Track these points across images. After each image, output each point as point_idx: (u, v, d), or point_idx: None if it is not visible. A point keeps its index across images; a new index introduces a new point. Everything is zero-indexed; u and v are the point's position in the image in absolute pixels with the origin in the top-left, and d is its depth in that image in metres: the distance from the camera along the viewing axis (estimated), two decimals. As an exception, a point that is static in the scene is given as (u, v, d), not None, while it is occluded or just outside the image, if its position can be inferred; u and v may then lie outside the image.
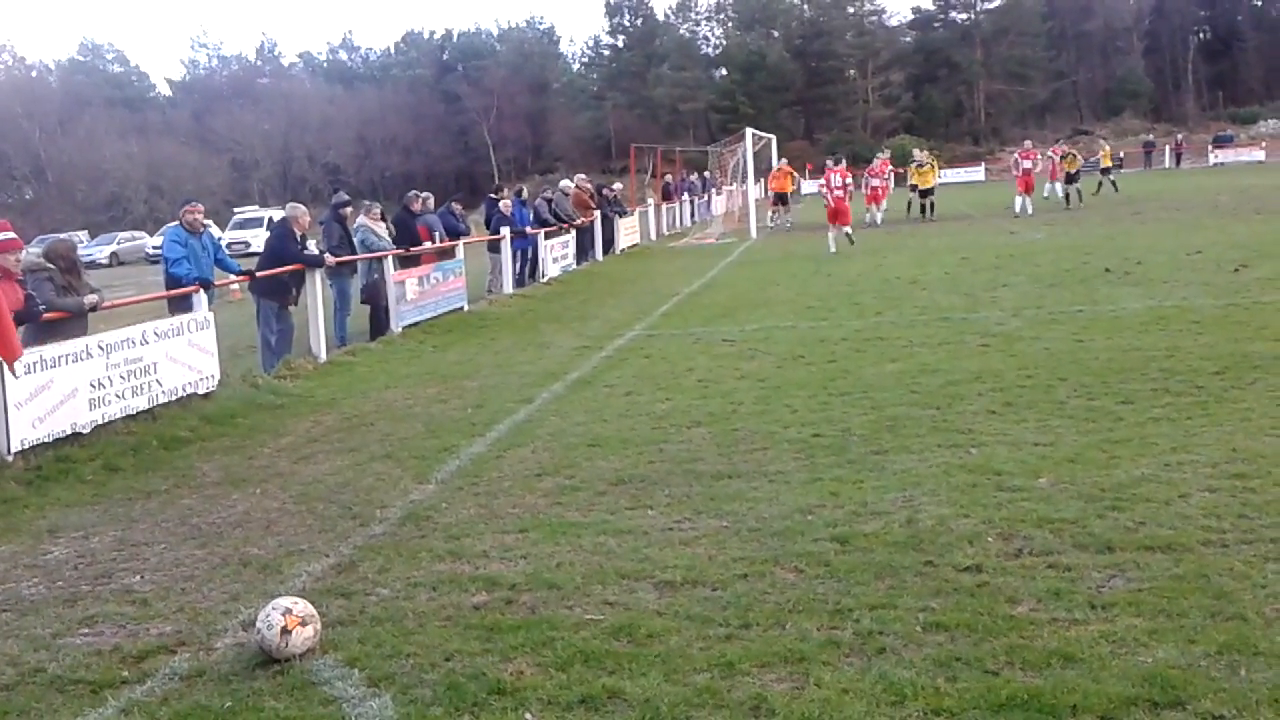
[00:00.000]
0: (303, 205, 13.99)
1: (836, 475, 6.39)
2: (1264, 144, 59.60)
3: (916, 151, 33.16)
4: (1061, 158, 31.86)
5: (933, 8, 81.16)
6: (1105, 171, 36.90)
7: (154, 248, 42.16)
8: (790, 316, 13.62)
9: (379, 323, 14.44)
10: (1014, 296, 13.61)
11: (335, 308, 14.13)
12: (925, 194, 30.31)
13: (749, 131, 32.48)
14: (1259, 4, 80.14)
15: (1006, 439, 6.90)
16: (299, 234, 12.98)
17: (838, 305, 14.27)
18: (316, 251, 13.36)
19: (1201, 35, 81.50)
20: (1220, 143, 60.78)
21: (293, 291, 12.74)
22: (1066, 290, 13.80)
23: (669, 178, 38.68)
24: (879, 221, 29.49)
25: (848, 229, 22.88)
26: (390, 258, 14.49)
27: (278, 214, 22.29)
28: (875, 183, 30.52)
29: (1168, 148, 59.71)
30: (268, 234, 15.82)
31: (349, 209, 15.01)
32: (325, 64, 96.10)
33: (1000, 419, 7.46)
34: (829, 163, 25.47)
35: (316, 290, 12.81)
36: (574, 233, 23.26)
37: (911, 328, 11.85)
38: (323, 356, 12.47)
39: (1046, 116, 76.61)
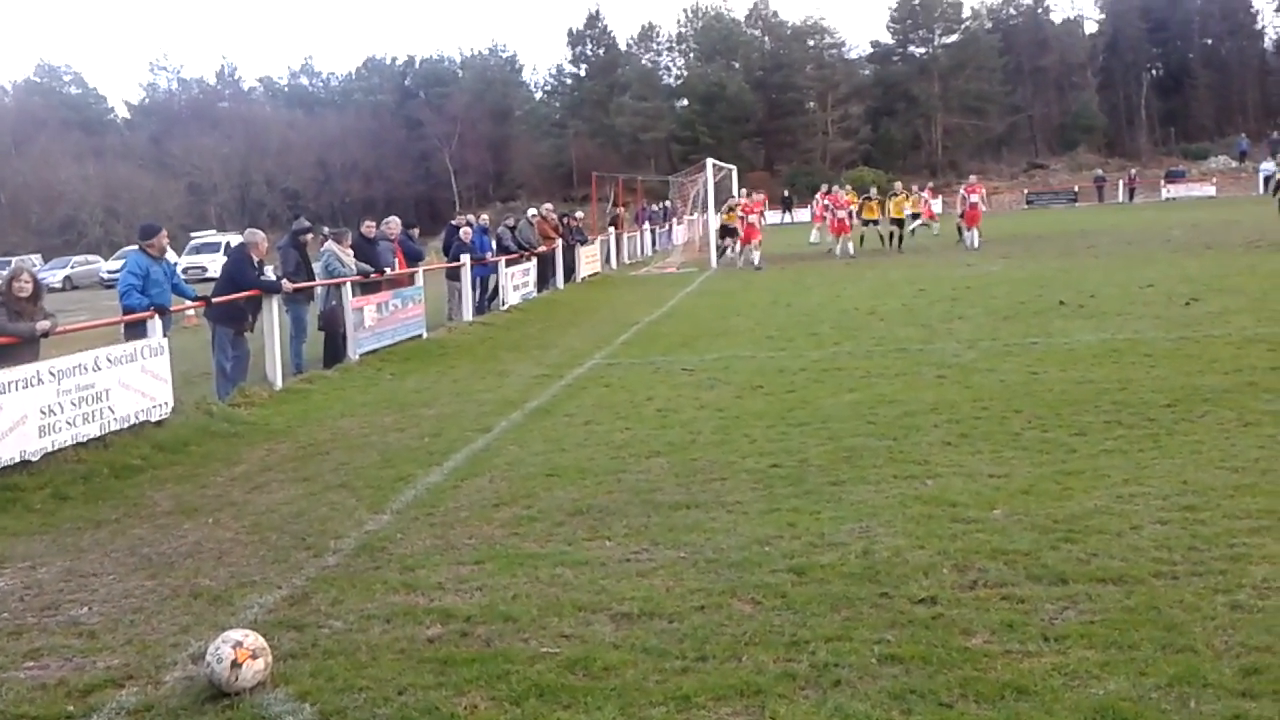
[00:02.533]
0: (261, 231, 13.90)
1: (794, 506, 6.40)
2: (1215, 179, 60.82)
3: (899, 185, 33.42)
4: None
5: (891, 42, 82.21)
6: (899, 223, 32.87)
7: (109, 272, 41.66)
8: (750, 346, 13.67)
9: (336, 350, 14.32)
10: (970, 328, 13.76)
11: (291, 335, 14.00)
12: (897, 223, 30.55)
13: (709, 162, 32.68)
14: (1209, 43, 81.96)
15: (962, 470, 6.95)
16: (256, 260, 12.89)
17: (796, 335, 14.35)
18: (274, 277, 13.27)
19: (1154, 72, 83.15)
20: (1172, 178, 61.91)
21: (249, 318, 12.62)
22: (1021, 322, 13.97)
23: (619, 209, 38.89)
24: (851, 252, 29.72)
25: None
26: (349, 284, 14.39)
27: (235, 239, 22.11)
28: (841, 214, 30.81)
29: (1121, 182, 60.75)
30: (225, 259, 15.68)
31: (308, 235, 14.91)
32: (286, 88, 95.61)
33: (956, 450, 7.52)
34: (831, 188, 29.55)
35: (273, 317, 12.71)
36: (535, 260, 23.27)
37: (869, 358, 11.93)
38: (278, 384, 12.35)
39: (1003, 150, 77.71)
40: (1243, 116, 75.80)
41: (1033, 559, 5.17)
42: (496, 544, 6.07)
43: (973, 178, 33.99)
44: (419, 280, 16.99)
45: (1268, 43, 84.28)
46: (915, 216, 32.24)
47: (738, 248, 29.36)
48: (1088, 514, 5.82)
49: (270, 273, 13.39)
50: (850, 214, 30.92)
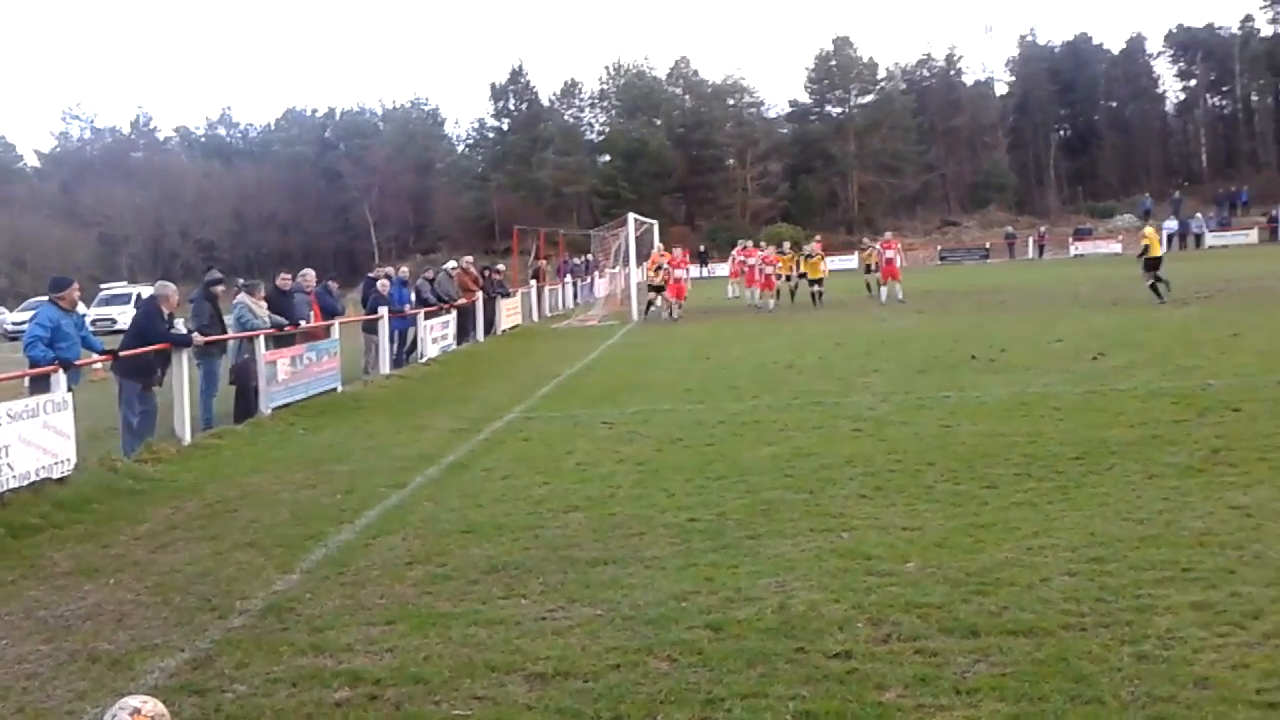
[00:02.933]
0: (172, 284, 13.65)
1: (711, 560, 6.39)
2: (1120, 237, 62.69)
3: (808, 245, 33.80)
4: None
5: (809, 101, 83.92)
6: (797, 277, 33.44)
7: (14, 324, 40.39)
8: (669, 399, 13.70)
9: (247, 404, 14.03)
10: (885, 382, 13.95)
11: (202, 389, 13.70)
12: (815, 283, 30.76)
13: (631, 216, 32.93)
14: (1114, 106, 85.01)
15: (877, 523, 7.01)
16: (167, 312, 12.62)
17: (716, 388, 14.42)
18: (184, 330, 13.00)
19: (1062, 133, 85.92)
20: (1080, 235, 63.79)
21: (157, 372, 12.33)
22: (934, 376, 14.20)
23: (540, 262, 38.95)
24: (771, 307, 30.02)
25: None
26: (262, 337, 14.15)
27: (146, 291, 21.65)
28: (768, 270, 31.20)
29: (1031, 239, 62.43)
30: (135, 311, 15.33)
31: (220, 287, 14.66)
32: (203, 138, 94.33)
33: (871, 503, 7.59)
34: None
35: (183, 370, 12.43)
36: (454, 313, 23.13)
37: (787, 411, 12.02)
38: (187, 439, 12.05)
39: (917, 207, 79.43)
40: (1146, 176, 78.45)
41: (945, 612, 5.22)
42: (408, 603, 5.95)
43: (889, 234, 34.81)
44: (334, 333, 16.77)
45: (1169, 106, 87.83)
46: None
47: (660, 301, 29.51)
48: (999, 566, 5.90)
49: (181, 326, 13.11)
50: (776, 271, 31.31)
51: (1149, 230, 27.92)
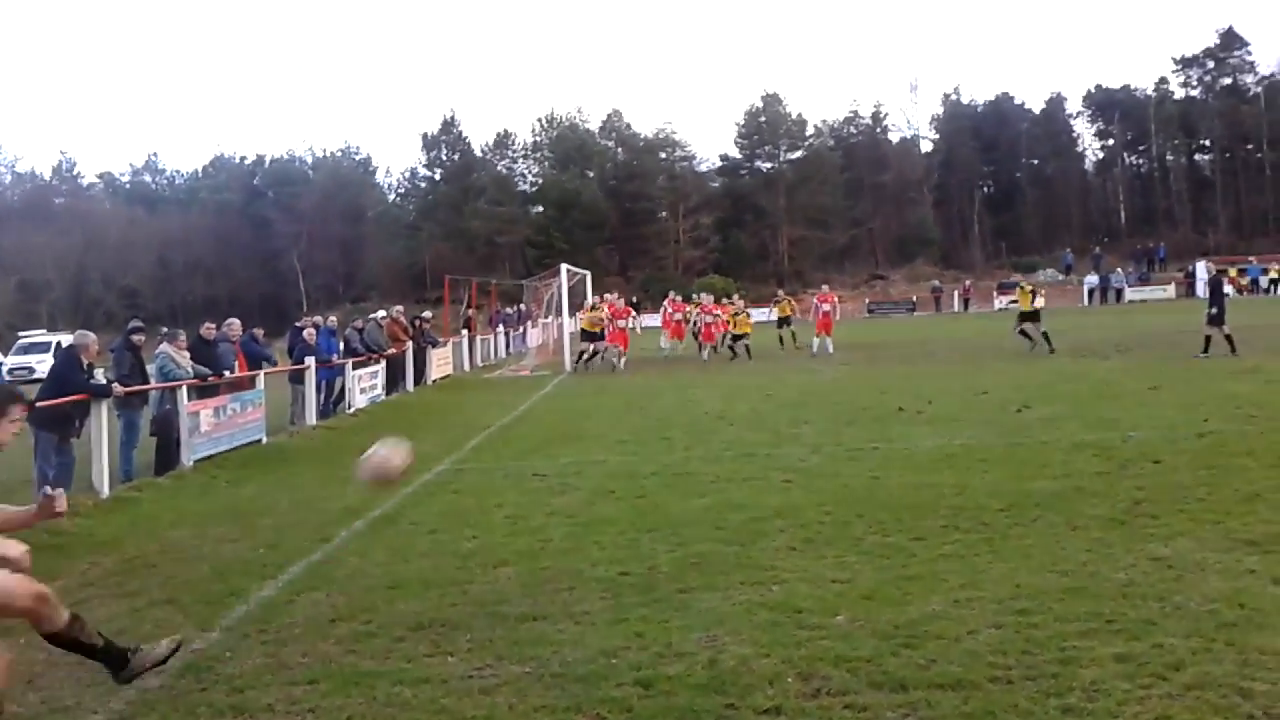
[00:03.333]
0: (92, 333, 13.32)
1: (642, 615, 6.34)
2: (1043, 291, 64.22)
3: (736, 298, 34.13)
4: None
5: (739, 156, 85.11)
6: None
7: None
8: (602, 451, 13.64)
9: (169, 456, 13.71)
10: (815, 433, 14.05)
11: (122, 440, 13.37)
12: (739, 338, 30.93)
13: (564, 267, 32.99)
14: (1036, 163, 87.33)
15: (807, 575, 7.01)
16: (86, 362, 12.33)
17: (649, 440, 14.40)
18: (104, 381, 12.69)
19: (986, 189, 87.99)
20: (1004, 289, 64.93)
21: (75, 423, 12.03)
22: (863, 427, 14.34)
23: (471, 311, 38.83)
24: (706, 358, 30.20)
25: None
26: (184, 388, 13.86)
27: (66, 339, 21.14)
28: (708, 319, 31.43)
29: (957, 292, 63.70)
30: (53, 361, 14.96)
31: (142, 336, 14.37)
32: (128, 185, 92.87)
33: (801, 555, 7.59)
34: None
35: (102, 421, 12.13)
36: (384, 363, 22.89)
37: (719, 463, 12.03)
38: (105, 492, 11.73)
39: (845, 261, 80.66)
40: (1067, 232, 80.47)
41: (874, 665, 5.22)
42: (332, 662, 5.81)
43: (825, 288, 35.25)
44: (259, 383, 16.50)
45: (1088, 164, 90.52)
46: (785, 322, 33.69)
47: (604, 350, 29.39)
48: (927, 619, 5.93)
49: (100, 376, 12.80)
50: (716, 319, 31.48)
51: (1023, 286, 29.81)
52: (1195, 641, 5.35)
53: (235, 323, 17.28)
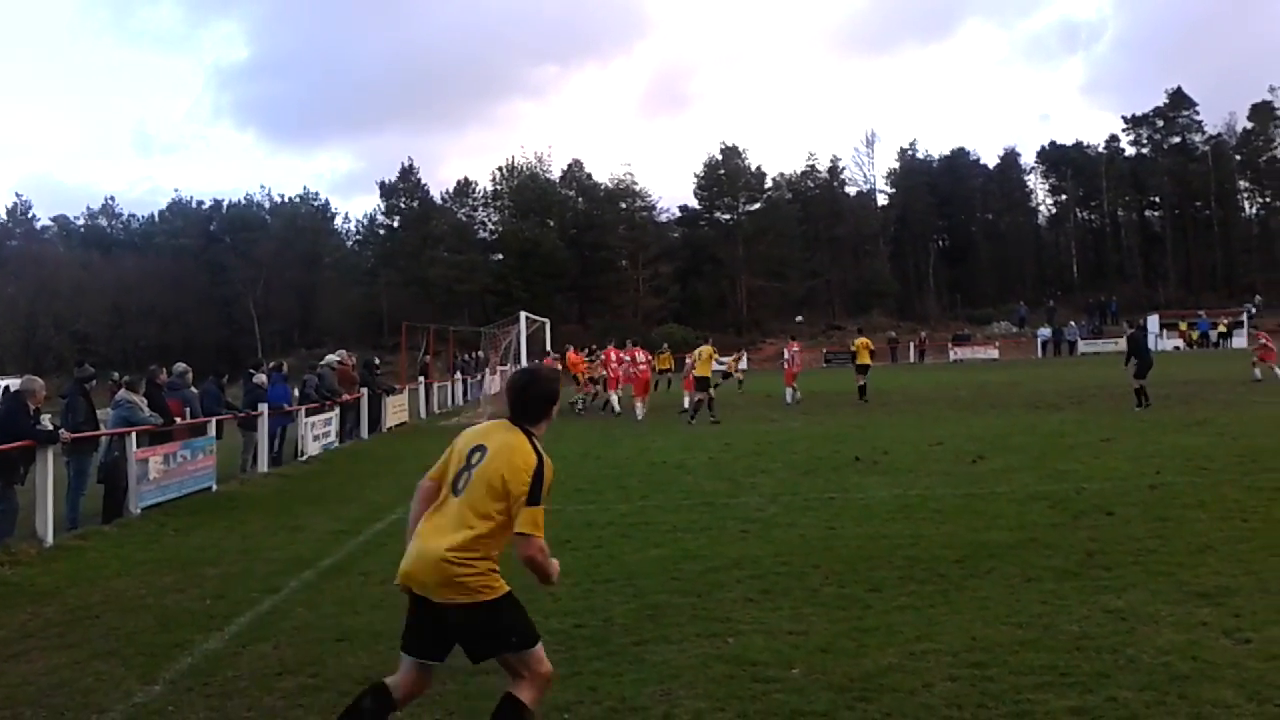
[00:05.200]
0: (39, 379, 13.10)
1: (596, 668, 6.25)
2: (997, 343, 65.08)
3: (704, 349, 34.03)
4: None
5: (698, 207, 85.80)
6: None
7: None
8: (558, 499, 13.48)
9: (116, 503, 13.45)
10: (772, 483, 14.03)
11: (70, 486, 13.10)
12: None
13: (522, 314, 32.96)
14: (990, 218, 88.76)
15: (763, 627, 6.96)
16: (33, 408, 12.09)
17: (605, 488, 14.31)
18: (51, 427, 12.46)
19: (941, 243, 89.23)
20: (958, 341, 65.90)
21: (20, 469, 11.77)
22: (820, 477, 14.34)
23: (428, 357, 38.54)
24: (628, 410, 30.11)
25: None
26: (134, 434, 13.63)
27: (13, 384, 20.75)
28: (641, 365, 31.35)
29: (912, 344, 64.31)
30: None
31: (93, 382, 14.14)
32: (82, 229, 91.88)
33: (757, 606, 7.54)
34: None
35: (47, 468, 11.89)
36: (338, 410, 22.65)
37: (676, 512, 11.97)
38: (49, 540, 11.46)
39: (803, 311, 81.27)
40: (1021, 285, 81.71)
41: (830, 719, 5.16)
42: (277, 716, 5.69)
43: (794, 340, 35.22)
44: (211, 430, 16.25)
45: (1041, 219, 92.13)
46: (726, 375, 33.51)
47: (601, 395, 28.95)
48: (882, 671, 5.88)
49: (47, 422, 12.57)
50: (652, 367, 31.40)
51: (859, 340, 31.37)
52: (1148, 694, 5.35)
53: (182, 367, 17.09)
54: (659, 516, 11.74)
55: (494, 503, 4.53)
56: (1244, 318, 63.13)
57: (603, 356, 32.41)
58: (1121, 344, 61.22)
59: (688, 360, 31.87)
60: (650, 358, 31.86)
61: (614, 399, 29.68)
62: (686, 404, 29.30)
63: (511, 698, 4.57)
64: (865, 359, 30.23)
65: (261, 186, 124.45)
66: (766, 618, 7.21)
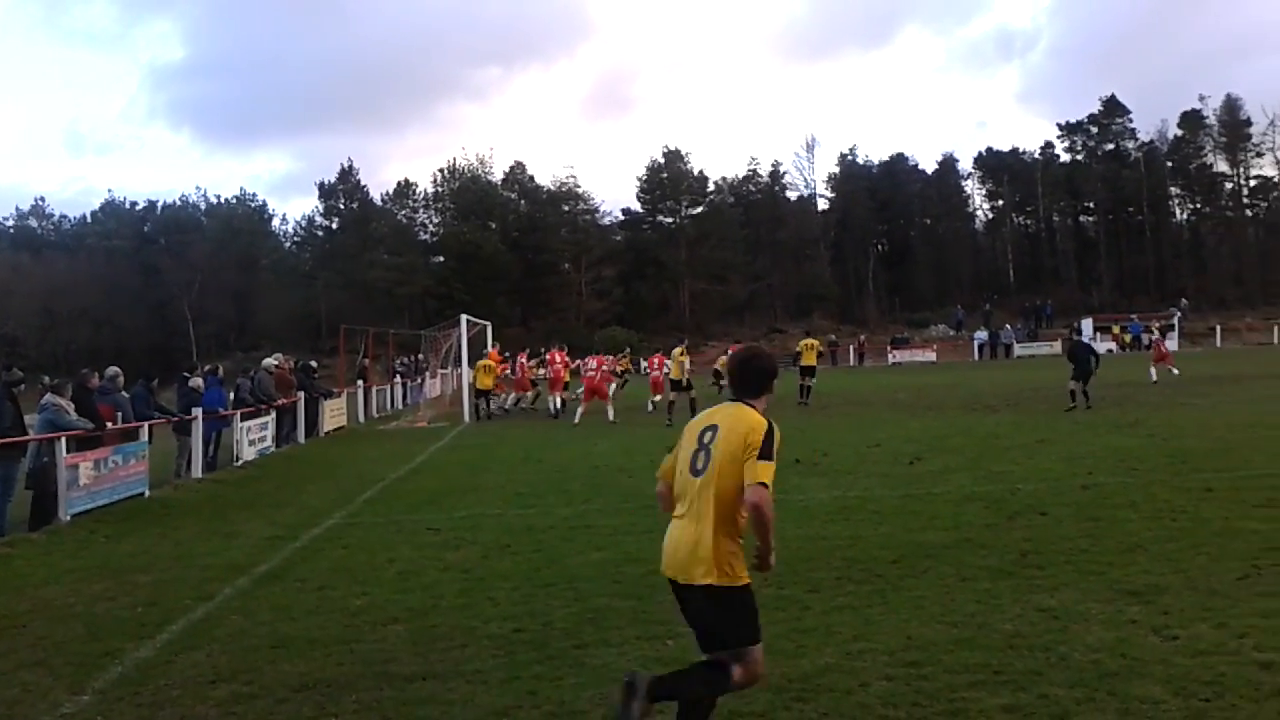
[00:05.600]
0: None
1: (535, 673, 6.23)
2: (935, 346, 65.97)
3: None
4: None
5: (641, 210, 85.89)
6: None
7: None
8: (499, 504, 13.47)
9: (45, 510, 13.14)
10: (714, 485, 14.03)
11: (-4, 493, 12.79)
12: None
13: (464, 317, 32.75)
14: (929, 223, 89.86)
15: (702, 630, 6.96)
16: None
17: (547, 492, 14.27)
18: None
19: (880, 247, 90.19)
20: (897, 344, 66.61)
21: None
22: (761, 480, 14.37)
23: (366, 360, 38.15)
24: (566, 412, 30.10)
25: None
26: (63, 439, 13.33)
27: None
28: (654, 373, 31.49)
29: (852, 347, 64.90)
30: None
31: (21, 386, 13.81)
32: (12, 229, 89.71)
33: (697, 609, 7.54)
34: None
35: (-29, 474, 11.58)
36: (274, 414, 22.35)
37: (617, 515, 11.97)
38: (-26, 548, 11.17)
39: (745, 315, 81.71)
40: (959, 289, 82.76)
41: (768, 720, 5.19)
42: (209, 726, 5.57)
43: (737, 344, 35.38)
44: (144, 435, 15.96)
45: (979, 224, 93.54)
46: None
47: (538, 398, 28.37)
48: (819, 671, 5.93)
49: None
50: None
51: (805, 341, 31.62)
52: (1079, 691, 5.45)
53: (114, 370, 16.76)
54: (601, 520, 11.72)
55: (736, 472, 4.67)
56: (1175, 321, 64.68)
57: (547, 358, 32.44)
58: (1056, 347, 62.80)
59: (646, 363, 32.08)
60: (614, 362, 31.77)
61: (555, 401, 29.63)
62: (650, 406, 29.39)
63: (722, 662, 4.70)
64: (810, 360, 30.46)
65: (197, 187, 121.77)
66: (706, 620, 7.22)
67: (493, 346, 34.01)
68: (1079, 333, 34.04)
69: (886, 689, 5.60)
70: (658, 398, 29.68)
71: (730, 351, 28.12)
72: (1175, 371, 31.01)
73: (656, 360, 31.85)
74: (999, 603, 7.30)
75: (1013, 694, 5.45)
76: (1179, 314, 65.81)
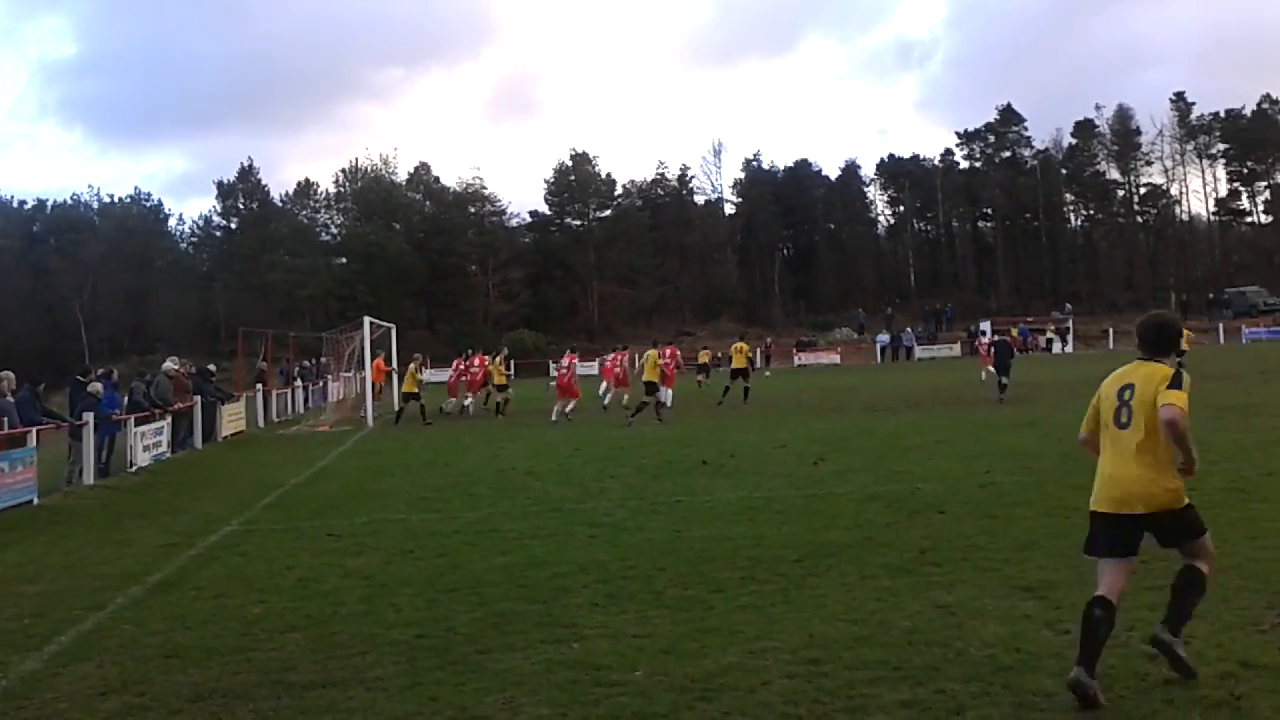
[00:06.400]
0: None
1: (438, 679, 6.15)
2: (839, 349, 67.07)
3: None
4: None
5: (549, 212, 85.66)
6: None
7: None
8: (403, 509, 13.30)
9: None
10: (621, 487, 14.09)
11: None
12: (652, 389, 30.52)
13: (366, 320, 32.27)
14: (832, 228, 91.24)
15: (607, 631, 6.97)
16: None
17: (452, 496, 14.13)
18: None
19: (786, 251, 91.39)
20: (802, 346, 67.50)
21: None
22: (668, 481, 14.48)
23: (265, 364, 37.43)
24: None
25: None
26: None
27: None
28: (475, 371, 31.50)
29: (758, 350, 65.56)
30: None
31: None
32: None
33: (603, 611, 7.55)
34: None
35: None
36: (170, 419, 21.75)
37: (524, 519, 11.91)
38: None
39: (654, 317, 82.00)
40: (861, 292, 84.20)
41: (670, 721, 5.20)
42: (98, 739, 5.39)
43: (667, 346, 35.23)
44: (31, 441, 15.40)
45: (881, 229, 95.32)
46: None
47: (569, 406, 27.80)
48: (723, 671, 5.97)
49: None
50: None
51: (736, 345, 32.00)
52: (975, 686, 5.56)
53: (7, 375, 16.16)
54: (507, 524, 11.64)
55: (1156, 416, 5.39)
56: (1069, 324, 66.72)
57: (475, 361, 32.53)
58: (955, 349, 64.26)
59: (609, 359, 32.08)
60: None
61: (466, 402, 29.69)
62: (624, 401, 29.17)
63: (1193, 568, 5.62)
64: (741, 363, 30.75)
65: (90, 186, 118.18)
66: (611, 622, 7.23)
67: (418, 358, 33.44)
68: (1005, 334, 37.98)
69: (788, 687, 5.66)
70: (612, 395, 30.02)
71: (737, 343, 27.98)
72: (984, 377, 32.78)
73: (614, 358, 31.97)
74: (898, 600, 7.43)
75: (911, 689, 5.54)
76: (1059, 317, 67.95)
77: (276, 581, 9.17)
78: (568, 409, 26.38)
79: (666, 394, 28.51)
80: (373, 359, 32.19)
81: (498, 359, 31.31)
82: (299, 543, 11.11)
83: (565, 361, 28.48)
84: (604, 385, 31.79)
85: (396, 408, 30.57)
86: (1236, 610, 6.71)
